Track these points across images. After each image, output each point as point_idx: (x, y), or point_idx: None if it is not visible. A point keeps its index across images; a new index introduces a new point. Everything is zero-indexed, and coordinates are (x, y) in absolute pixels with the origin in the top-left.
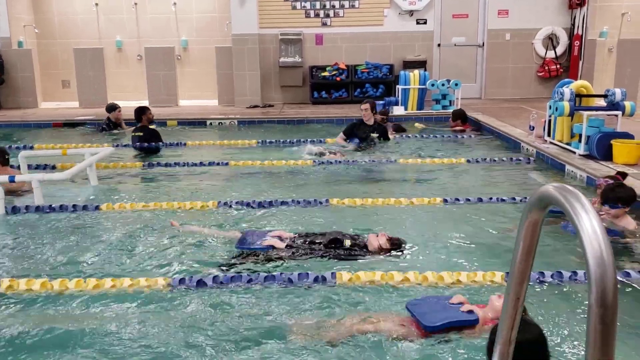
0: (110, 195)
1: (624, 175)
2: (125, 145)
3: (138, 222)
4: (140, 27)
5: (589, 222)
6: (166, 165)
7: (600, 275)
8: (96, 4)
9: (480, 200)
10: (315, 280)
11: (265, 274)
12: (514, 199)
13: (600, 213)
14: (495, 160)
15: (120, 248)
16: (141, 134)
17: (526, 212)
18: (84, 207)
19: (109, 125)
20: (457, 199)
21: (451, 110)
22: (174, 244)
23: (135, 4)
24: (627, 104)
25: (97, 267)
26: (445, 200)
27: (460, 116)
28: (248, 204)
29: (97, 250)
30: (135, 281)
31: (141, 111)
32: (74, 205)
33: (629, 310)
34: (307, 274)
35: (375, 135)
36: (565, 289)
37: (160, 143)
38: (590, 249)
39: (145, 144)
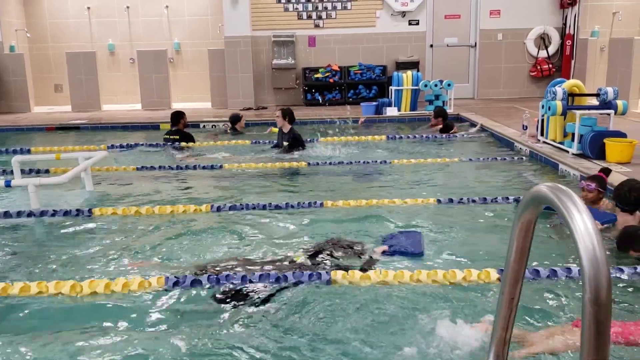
0: (105, 199)
1: (607, 171)
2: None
3: (131, 227)
4: (132, 30)
5: (582, 221)
6: (160, 168)
7: (594, 274)
8: (88, 8)
9: (473, 200)
10: (310, 277)
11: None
12: (507, 198)
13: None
14: (488, 160)
15: (113, 252)
16: (177, 137)
17: (519, 212)
18: (77, 212)
19: (233, 132)
20: (451, 200)
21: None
22: (167, 246)
23: (128, 7)
24: (620, 103)
25: (90, 270)
26: (439, 201)
27: (442, 114)
28: (242, 207)
29: (91, 255)
30: (129, 281)
31: (178, 115)
32: (67, 210)
33: (623, 307)
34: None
35: (286, 143)
36: (560, 286)
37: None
38: (584, 248)
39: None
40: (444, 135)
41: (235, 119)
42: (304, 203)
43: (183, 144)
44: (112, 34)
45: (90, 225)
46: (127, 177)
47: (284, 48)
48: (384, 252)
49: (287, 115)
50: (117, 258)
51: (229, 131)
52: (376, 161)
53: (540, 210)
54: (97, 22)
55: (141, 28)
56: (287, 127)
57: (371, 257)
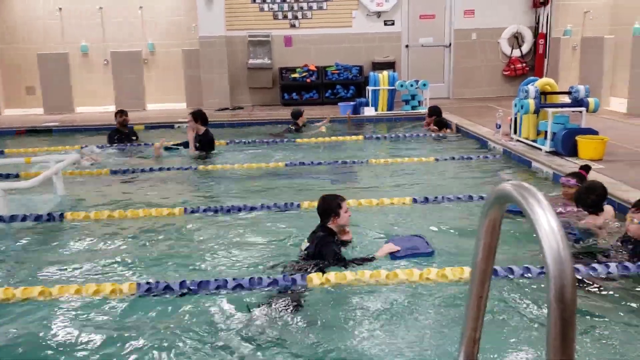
0: (77, 203)
1: (587, 168)
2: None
3: (103, 231)
4: (106, 32)
5: (546, 219)
6: (133, 171)
7: (559, 272)
8: (60, 9)
9: (448, 199)
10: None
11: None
12: (482, 197)
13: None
14: (463, 159)
15: (84, 257)
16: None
17: (485, 210)
18: (49, 216)
19: (297, 129)
20: (427, 198)
21: (420, 110)
22: (140, 251)
23: (100, 8)
24: (591, 101)
25: (61, 275)
26: (414, 200)
27: (436, 112)
28: (216, 210)
29: (62, 259)
30: (101, 287)
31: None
32: (38, 215)
33: (589, 305)
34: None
35: (197, 145)
36: (531, 284)
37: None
38: (548, 247)
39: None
40: (437, 134)
41: (296, 115)
42: (282, 204)
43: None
44: (85, 35)
45: (62, 229)
46: (100, 180)
47: (259, 48)
48: (394, 254)
49: (199, 117)
50: (89, 263)
51: (291, 127)
52: (354, 161)
53: (505, 209)
54: (69, 23)
55: (115, 29)
56: (201, 130)
57: (373, 256)
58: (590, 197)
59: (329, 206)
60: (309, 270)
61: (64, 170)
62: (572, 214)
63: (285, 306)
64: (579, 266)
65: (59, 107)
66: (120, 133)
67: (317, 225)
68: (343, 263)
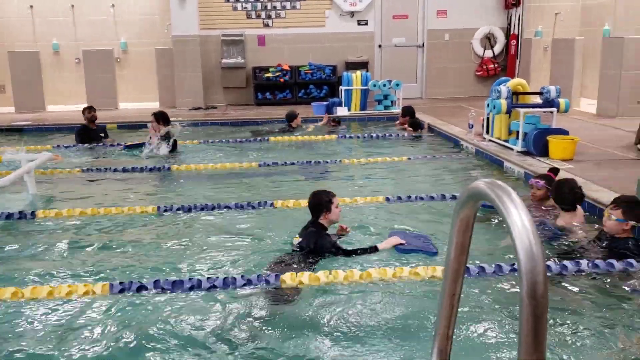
0: (49, 202)
1: (555, 171)
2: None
3: (76, 229)
4: (77, 30)
5: (519, 217)
6: (106, 170)
7: (531, 269)
8: (31, 7)
9: (421, 198)
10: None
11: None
12: (454, 196)
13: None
14: (436, 158)
15: (57, 256)
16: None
17: (458, 208)
18: (20, 215)
19: (290, 130)
20: (399, 197)
21: (393, 110)
22: (114, 250)
23: (72, 6)
24: (562, 101)
25: (34, 275)
26: (387, 199)
27: (409, 113)
28: (189, 209)
29: (34, 258)
30: (73, 287)
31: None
32: (9, 213)
33: (561, 301)
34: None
35: (160, 145)
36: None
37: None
38: (520, 243)
39: None
40: (411, 134)
41: (291, 117)
42: (254, 203)
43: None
44: (56, 33)
45: (34, 228)
46: (72, 179)
47: (233, 47)
48: (400, 247)
49: (161, 118)
50: (61, 261)
51: (285, 127)
52: (327, 161)
53: (478, 207)
54: (40, 21)
55: (86, 27)
56: (163, 130)
57: (376, 246)
58: (571, 194)
59: (320, 201)
60: (302, 265)
61: (36, 170)
62: (546, 212)
63: (263, 304)
64: (550, 263)
65: (30, 106)
66: (89, 130)
67: (308, 221)
68: (343, 252)
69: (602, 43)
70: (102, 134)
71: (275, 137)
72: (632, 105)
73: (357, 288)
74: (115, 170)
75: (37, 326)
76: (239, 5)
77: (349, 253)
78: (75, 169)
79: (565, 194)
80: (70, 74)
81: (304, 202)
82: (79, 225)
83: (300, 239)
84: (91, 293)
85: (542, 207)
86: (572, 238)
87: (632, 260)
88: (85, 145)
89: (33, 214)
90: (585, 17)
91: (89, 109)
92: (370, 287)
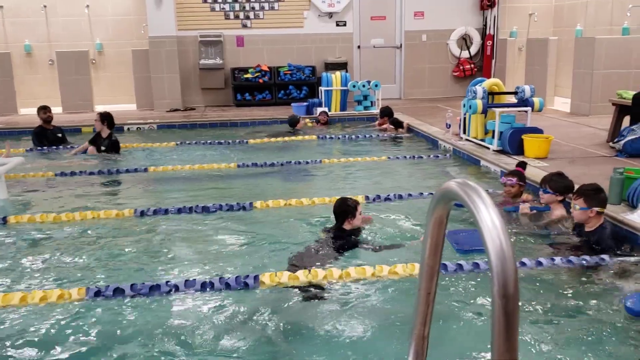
0: (21, 207)
1: (523, 165)
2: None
3: (50, 234)
4: (50, 31)
5: (489, 216)
6: (81, 173)
7: (501, 268)
8: (1, 7)
9: (400, 196)
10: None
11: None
12: (431, 194)
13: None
14: (414, 158)
15: (30, 261)
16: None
17: (431, 208)
18: None
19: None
20: (378, 196)
21: (373, 111)
22: (88, 253)
23: (45, 6)
24: (536, 100)
25: (6, 281)
26: (367, 198)
27: (387, 113)
28: (166, 211)
29: (6, 264)
30: (47, 293)
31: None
32: None
33: (534, 299)
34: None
35: (103, 148)
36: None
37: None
38: (491, 242)
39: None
40: (393, 133)
41: (293, 123)
42: (234, 204)
43: None
44: (28, 34)
45: (5, 233)
46: (45, 183)
47: (211, 48)
48: (459, 247)
49: (106, 119)
50: (35, 266)
51: (291, 131)
52: (307, 161)
53: (451, 206)
54: (11, 21)
55: (60, 28)
56: (105, 132)
57: (380, 246)
58: (563, 181)
59: (346, 208)
60: (329, 261)
61: (6, 174)
62: (529, 201)
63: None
64: (525, 260)
65: (2, 108)
66: (45, 130)
67: (334, 225)
68: (372, 247)
69: (575, 43)
70: (60, 134)
71: (290, 137)
72: (604, 103)
73: (336, 287)
74: (91, 173)
75: (10, 333)
76: (217, 6)
77: (377, 249)
78: (49, 172)
79: (568, 181)
80: (43, 75)
81: (283, 202)
82: (53, 230)
83: (325, 237)
84: (67, 297)
85: (517, 202)
86: (558, 229)
87: (605, 256)
88: (45, 148)
89: (4, 219)
90: (558, 17)
91: (44, 109)
92: (350, 286)
